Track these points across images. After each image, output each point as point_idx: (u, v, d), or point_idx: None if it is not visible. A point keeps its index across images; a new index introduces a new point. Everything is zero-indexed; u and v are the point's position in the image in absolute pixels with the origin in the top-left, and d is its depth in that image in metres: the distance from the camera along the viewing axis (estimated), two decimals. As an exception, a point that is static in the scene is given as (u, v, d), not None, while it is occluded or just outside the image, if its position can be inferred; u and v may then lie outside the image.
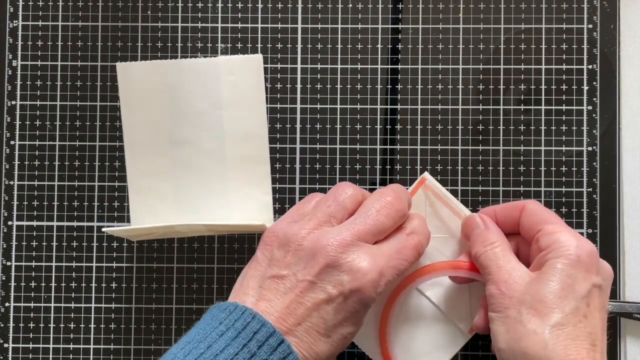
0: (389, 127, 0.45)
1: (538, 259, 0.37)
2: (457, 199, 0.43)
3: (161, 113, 0.44)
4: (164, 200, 0.44)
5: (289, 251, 0.36)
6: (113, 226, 0.45)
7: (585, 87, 0.45)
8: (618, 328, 0.44)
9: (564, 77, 0.45)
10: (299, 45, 0.45)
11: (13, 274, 0.45)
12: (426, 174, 0.42)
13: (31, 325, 0.45)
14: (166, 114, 0.44)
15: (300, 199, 0.45)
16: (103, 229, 0.41)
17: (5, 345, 0.45)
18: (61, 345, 0.45)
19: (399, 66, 0.45)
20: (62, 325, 0.45)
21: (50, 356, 0.45)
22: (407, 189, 0.41)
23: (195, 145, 0.44)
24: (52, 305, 0.45)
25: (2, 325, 0.45)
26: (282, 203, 0.45)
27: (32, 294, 0.45)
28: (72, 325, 0.45)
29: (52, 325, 0.45)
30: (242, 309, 0.34)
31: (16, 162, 0.45)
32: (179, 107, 0.44)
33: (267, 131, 0.44)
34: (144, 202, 0.44)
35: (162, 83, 0.44)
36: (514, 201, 0.42)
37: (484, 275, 0.38)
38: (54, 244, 0.45)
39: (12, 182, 0.45)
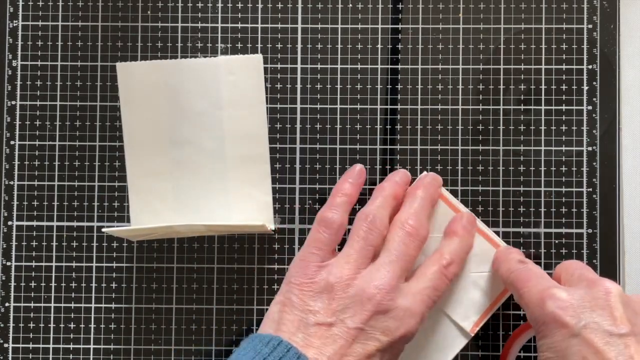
0: (389, 127, 0.45)
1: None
2: (458, 199, 0.43)
3: (161, 113, 0.44)
4: (164, 200, 0.44)
5: (334, 298, 0.36)
6: (113, 226, 0.45)
7: (585, 87, 0.45)
8: None
9: (564, 77, 0.45)
10: (299, 45, 0.45)
11: (13, 274, 0.45)
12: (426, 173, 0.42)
13: (31, 325, 0.45)
14: (166, 113, 0.44)
15: (300, 199, 0.45)
16: (103, 230, 0.41)
17: (5, 345, 0.45)
18: (61, 345, 0.45)
19: (399, 66, 0.45)
20: (62, 325, 0.45)
21: (50, 356, 0.45)
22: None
23: (195, 145, 0.44)
24: (52, 305, 0.45)
25: (2, 325, 0.45)
26: (282, 203, 0.45)
27: (32, 294, 0.45)
28: (72, 325, 0.45)
29: (52, 325, 0.45)
30: (287, 346, 0.34)
31: (16, 162, 0.45)
32: (179, 107, 0.44)
33: (267, 131, 0.44)
34: (144, 202, 0.44)
35: (162, 83, 0.44)
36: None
37: (515, 290, 0.38)
38: (54, 244, 0.45)
39: (12, 182, 0.45)
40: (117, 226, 0.45)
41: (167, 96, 0.44)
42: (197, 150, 0.44)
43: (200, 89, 0.44)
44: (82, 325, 0.45)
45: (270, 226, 0.43)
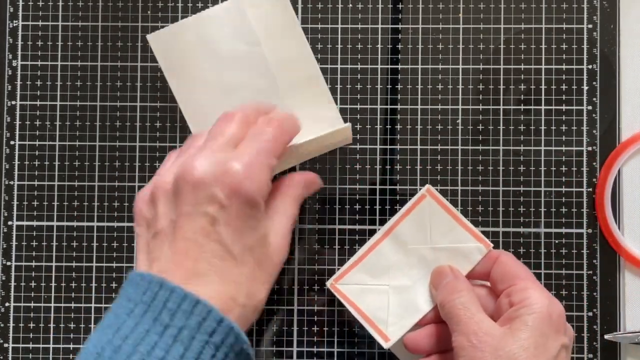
0: (389, 127, 0.45)
1: (508, 313, 0.36)
2: (458, 199, 0.43)
3: (204, 68, 0.43)
4: None
5: (156, 202, 0.35)
6: (113, 226, 0.45)
7: (585, 87, 0.45)
8: (618, 351, 0.44)
9: (564, 77, 0.45)
10: (299, 45, 0.45)
11: (13, 274, 0.45)
12: (429, 186, 0.42)
13: (31, 325, 0.45)
14: (209, 67, 0.43)
15: (300, 199, 0.45)
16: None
17: (5, 345, 0.45)
18: (61, 345, 0.45)
19: (399, 66, 0.45)
20: (62, 325, 0.45)
21: (50, 356, 0.45)
22: (409, 199, 0.41)
23: (247, 87, 0.43)
24: (52, 305, 0.45)
25: (2, 325, 0.45)
26: (282, 203, 0.45)
27: (32, 294, 0.45)
28: (72, 325, 0.45)
29: (52, 325, 0.45)
30: (148, 277, 0.32)
31: (16, 162, 0.45)
32: (219, 56, 0.43)
33: (310, 49, 0.43)
34: None
35: (196, 39, 0.43)
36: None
37: (451, 325, 0.36)
38: (54, 244, 0.45)
39: (12, 182, 0.45)
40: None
41: (204, 50, 0.43)
42: (250, 92, 0.43)
43: (232, 32, 0.43)
44: (82, 325, 0.45)
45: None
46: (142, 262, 0.35)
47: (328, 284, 0.42)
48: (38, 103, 0.46)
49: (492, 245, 0.40)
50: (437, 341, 0.39)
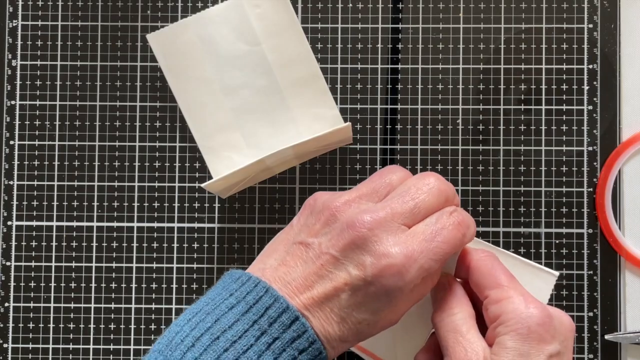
0: (389, 127, 0.45)
1: (490, 330, 0.34)
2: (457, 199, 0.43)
3: (205, 68, 0.43)
4: (238, 150, 0.43)
5: (320, 219, 0.34)
6: (113, 226, 0.45)
7: (586, 87, 0.45)
8: (619, 352, 0.44)
9: (564, 77, 0.45)
10: (299, 45, 0.45)
11: (13, 274, 0.45)
12: None
13: (31, 325, 0.45)
14: (210, 67, 0.43)
15: (300, 199, 0.45)
16: (202, 185, 0.40)
17: (5, 345, 0.45)
18: (61, 346, 0.45)
19: (399, 66, 0.45)
20: (62, 325, 0.45)
21: (50, 356, 0.45)
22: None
23: (248, 87, 0.43)
24: (52, 305, 0.45)
25: (1, 325, 0.45)
26: (282, 203, 0.45)
27: (32, 294, 0.45)
28: (72, 325, 0.45)
29: (52, 325, 0.45)
30: (256, 280, 0.32)
31: (16, 162, 0.45)
32: (219, 56, 0.43)
33: (310, 48, 0.43)
34: (220, 158, 0.44)
35: (196, 39, 0.43)
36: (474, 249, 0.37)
37: (441, 346, 0.34)
38: (54, 244, 0.45)
39: (11, 182, 0.45)
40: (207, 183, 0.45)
41: (204, 50, 0.43)
42: (251, 91, 0.43)
43: (232, 32, 0.43)
44: (82, 325, 0.45)
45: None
46: (275, 254, 0.34)
47: None
48: (38, 103, 0.46)
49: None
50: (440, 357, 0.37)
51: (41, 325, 0.45)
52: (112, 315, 0.45)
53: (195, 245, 0.45)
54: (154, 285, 0.45)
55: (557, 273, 0.39)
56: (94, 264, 0.45)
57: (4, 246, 0.45)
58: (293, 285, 0.32)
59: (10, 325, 0.45)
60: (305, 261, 0.33)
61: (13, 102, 0.46)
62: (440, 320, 0.35)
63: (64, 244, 0.45)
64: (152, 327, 0.45)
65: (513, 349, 0.32)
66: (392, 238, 0.32)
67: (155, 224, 0.45)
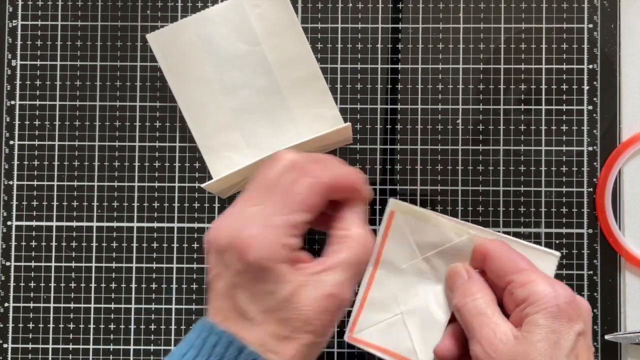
0: (389, 127, 0.45)
1: (516, 312, 0.35)
2: (458, 199, 0.43)
3: (205, 68, 0.43)
4: (238, 150, 0.44)
5: (209, 253, 0.36)
6: (112, 226, 0.45)
7: (586, 87, 0.45)
8: (619, 352, 0.44)
9: (564, 77, 0.45)
10: (299, 45, 0.45)
11: (12, 274, 0.45)
12: (392, 200, 0.40)
13: (30, 325, 0.45)
14: (210, 67, 0.43)
15: (300, 199, 0.45)
16: (202, 185, 0.41)
17: (5, 345, 0.45)
18: (61, 346, 0.45)
19: (399, 66, 0.45)
20: (61, 326, 0.45)
21: (50, 356, 0.45)
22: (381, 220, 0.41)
23: (248, 87, 0.43)
24: (52, 305, 0.45)
25: (1, 325, 0.45)
26: (282, 203, 0.45)
27: (32, 294, 0.45)
28: (71, 326, 0.45)
29: (51, 325, 0.45)
30: (202, 322, 0.34)
31: (15, 162, 0.45)
32: (219, 56, 0.43)
33: (310, 48, 0.43)
34: (220, 158, 0.44)
35: (195, 39, 0.43)
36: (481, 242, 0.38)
37: (466, 331, 0.35)
38: (54, 244, 0.45)
39: (11, 182, 0.45)
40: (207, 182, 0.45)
41: (204, 50, 0.43)
42: (251, 91, 0.43)
43: (232, 32, 0.43)
44: (82, 326, 0.45)
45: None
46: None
47: (346, 338, 0.40)
48: (37, 103, 0.46)
49: (473, 231, 0.39)
50: (462, 343, 0.37)
51: (41, 325, 0.45)
52: (112, 316, 0.45)
53: (195, 245, 0.45)
54: (154, 285, 0.45)
55: (558, 253, 0.39)
56: (93, 264, 0.45)
57: (3, 246, 0.45)
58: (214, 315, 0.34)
59: (10, 325, 0.45)
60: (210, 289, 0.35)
61: (13, 102, 0.46)
62: (464, 305, 0.35)
63: (64, 244, 0.45)
64: (152, 327, 0.45)
65: (545, 326, 0.33)
66: (240, 223, 0.34)
67: (155, 224, 0.45)
